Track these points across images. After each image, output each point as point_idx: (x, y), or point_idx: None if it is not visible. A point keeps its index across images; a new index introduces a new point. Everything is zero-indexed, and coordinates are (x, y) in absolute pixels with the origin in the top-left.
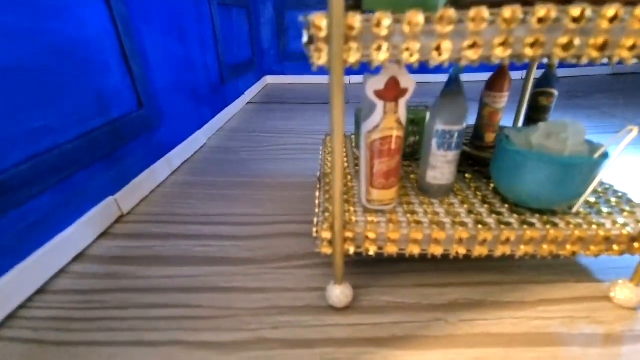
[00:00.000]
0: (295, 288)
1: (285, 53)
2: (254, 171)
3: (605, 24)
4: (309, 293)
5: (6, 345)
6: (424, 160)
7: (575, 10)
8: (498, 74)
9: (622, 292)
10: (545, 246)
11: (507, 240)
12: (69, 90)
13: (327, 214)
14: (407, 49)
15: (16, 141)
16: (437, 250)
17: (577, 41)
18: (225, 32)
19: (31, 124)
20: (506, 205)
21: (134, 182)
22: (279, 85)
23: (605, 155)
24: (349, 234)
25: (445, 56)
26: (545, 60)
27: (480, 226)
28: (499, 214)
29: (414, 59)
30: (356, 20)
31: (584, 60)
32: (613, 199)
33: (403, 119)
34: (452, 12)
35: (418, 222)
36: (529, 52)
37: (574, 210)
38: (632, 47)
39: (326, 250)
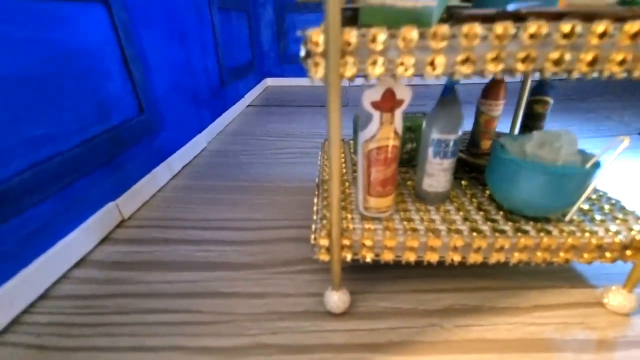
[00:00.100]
0: (294, 293)
1: (285, 55)
2: (254, 175)
3: (595, 40)
4: (307, 298)
5: (10, 350)
6: (420, 167)
7: (565, 27)
8: (494, 83)
9: (615, 298)
10: (538, 253)
11: (501, 248)
12: (70, 98)
13: (324, 221)
14: (402, 64)
15: (18, 150)
16: (432, 258)
17: (567, 56)
18: (225, 36)
19: (32, 133)
20: (501, 213)
21: (135, 187)
22: (279, 88)
23: (597, 165)
24: (346, 242)
25: (439, 71)
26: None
27: (475, 234)
28: (493, 221)
29: (409, 73)
30: (352, 35)
31: (575, 75)
32: (607, 206)
33: (399, 129)
34: (445, 28)
35: (414, 230)
36: (520, 66)
37: (567, 218)
38: (622, 62)
39: (324, 257)
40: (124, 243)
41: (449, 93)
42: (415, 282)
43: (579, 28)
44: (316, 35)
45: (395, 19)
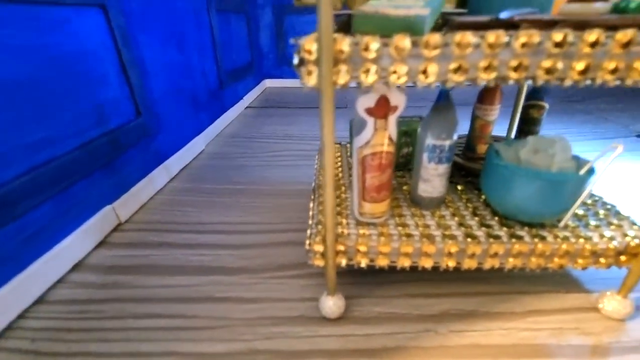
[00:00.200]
0: (289, 298)
1: (284, 57)
2: (251, 178)
3: (586, 49)
4: (302, 303)
5: (5, 356)
6: (416, 172)
7: (557, 35)
8: (489, 88)
9: (610, 303)
10: (533, 259)
11: (496, 254)
12: (68, 102)
13: (319, 227)
14: (395, 72)
15: (16, 154)
16: (427, 263)
17: (559, 64)
18: (224, 38)
19: (31, 137)
20: (496, 218)
21: (132, 190)
22: (278, 89)
23: (591, 171)
24: (340, 247)
25: (432, 79)
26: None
27: (469, 239)
28: (488, 226)
29: (401, 81)
30: (345, 43)
31: (568, 83)
32: (602, 211)
33: (394, 135)
34: (437, 37)
35: (409, 235)
36: (513, 74)
37: (562, 224)
38: (614, 70)
39: (319, 262)
40: (121, 247)
41: (443, 99)
42: (410, 286)
43: (570, 37)
44: (309, 44)
45: (388, 27)
